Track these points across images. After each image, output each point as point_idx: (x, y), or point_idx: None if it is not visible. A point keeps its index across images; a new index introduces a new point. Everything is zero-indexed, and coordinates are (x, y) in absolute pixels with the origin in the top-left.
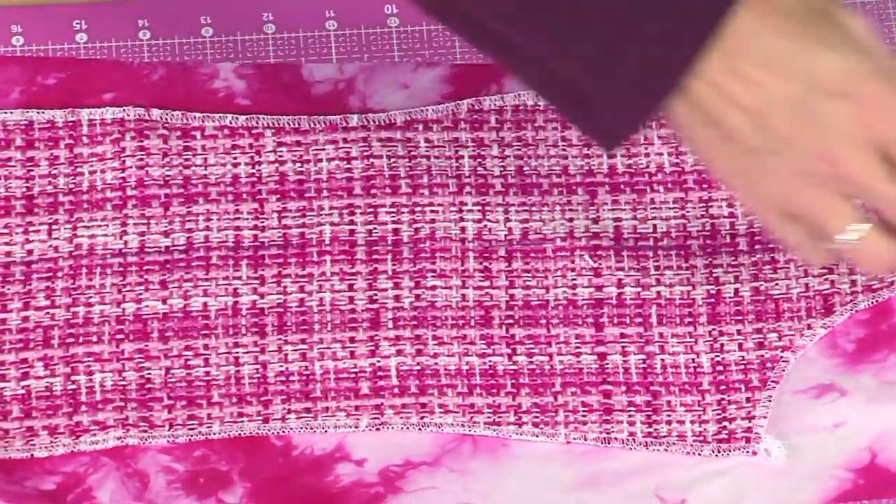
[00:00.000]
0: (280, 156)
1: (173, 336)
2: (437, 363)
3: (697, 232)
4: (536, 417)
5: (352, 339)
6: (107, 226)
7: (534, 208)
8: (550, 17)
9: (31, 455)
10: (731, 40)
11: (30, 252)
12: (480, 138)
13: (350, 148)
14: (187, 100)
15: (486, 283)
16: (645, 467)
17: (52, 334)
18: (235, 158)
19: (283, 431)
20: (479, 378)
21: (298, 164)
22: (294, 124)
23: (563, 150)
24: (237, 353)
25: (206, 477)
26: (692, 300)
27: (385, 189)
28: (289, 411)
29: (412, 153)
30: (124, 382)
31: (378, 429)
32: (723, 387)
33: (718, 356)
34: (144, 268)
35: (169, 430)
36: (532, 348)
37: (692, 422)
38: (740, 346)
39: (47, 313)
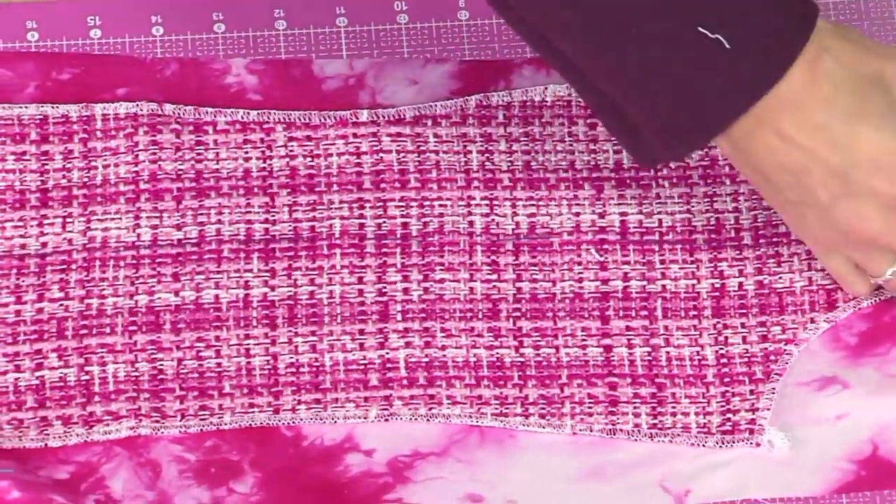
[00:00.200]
0: (291, 150)
1: (185, 328)
2: (445, 355)
3: (702, 226)
4: (543, 409)
5: (361, 332)
6: (120, 219)
7: (541, 203)
8: (606, 37)
9: (45, 444)
10: (777, 101)
11: (44, 245)
12: (488, 133)
13: (360, 143)
14: (199, 95)
15: (494, 277)
16: (650, 458)
17: (66, 326)
18: (247, 153)
19: (294, 422)
20: (486, 370)
21: (309, 159)
22: (305, 119)
23: (570, 145)
24: (248, 344)
25: (217, 466)
26: (697, 293)
27: (394, 183)
28: (299, 402)
29: (421, 148)
30: (137, 373)
31: (387, 420)
32: (727, 379)
33: (723, 349)
34: (157, 260)
35: (181, 421)
36: (539, 341)
37: (696, 413)
38: (744, 338)
39: (61, 305)
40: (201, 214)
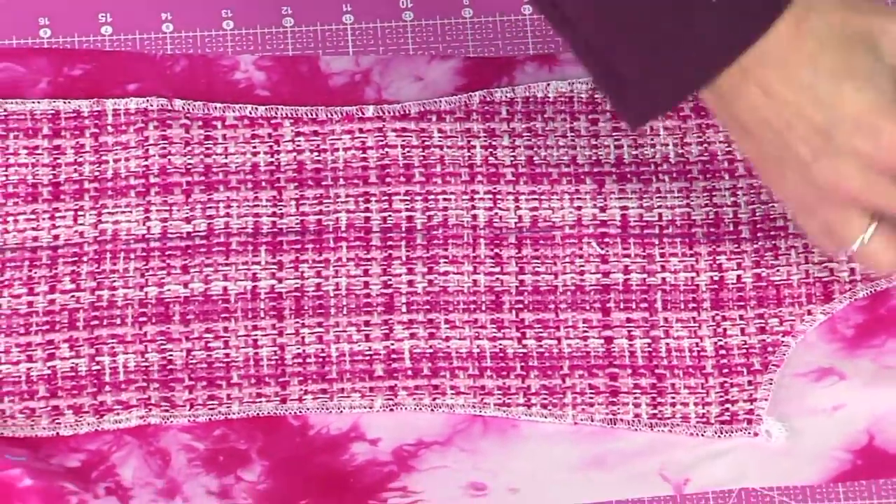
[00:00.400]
0: (298, 145)
1: (194, 319)
2: (449, 346)
3: (701, 220)
4: (545, 399)
5: (367, 323)
6: (130, 212)
7: (543, 197)
8: None
9: (57, 433)
10: (762, 55)
11: (56, 237)
12: (492, 129)
13: (366, 138)
14: (208, 90)
15: (497, 269)
16: (650, 447)
17: (77, 317)
18: (255, 147)
19: (300, 412)
20: (489, 361)
21: (316, 154)
22: (312, 115)
23: (572, 140)
24: (256, 335)
25: (225, 455)
26: (696, 286)
27: (399, 178)
28: (305, 392)
29: (426, 143)
30: (147, 364)
31: (392, 409)
32: (725, 370)
33: (721, 340)
34: (167, 253)
35: (190, 410)
36: (541, 332)
37: (696, 404)
38: (742, 330)
39: (73, 296)
40: (210, 208)
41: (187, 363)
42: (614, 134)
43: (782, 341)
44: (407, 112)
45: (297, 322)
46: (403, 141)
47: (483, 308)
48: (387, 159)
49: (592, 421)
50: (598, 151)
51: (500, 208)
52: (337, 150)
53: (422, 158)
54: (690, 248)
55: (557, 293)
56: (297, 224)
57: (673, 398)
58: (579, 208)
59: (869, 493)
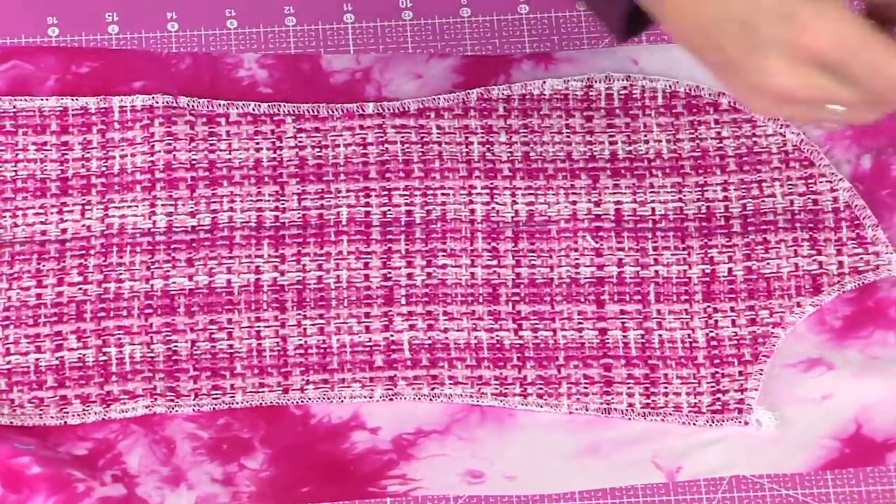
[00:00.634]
0: (300, 141)
1: (199, 311)
2: (447, 337)
3: (693, 215)
4: (541, 389)
5: (367, 315)
6: (136, 207)
7: (539, 192)
8: None
9: (65, 422)
10: None
11: (64, 231)
12: (489, 125)
13: (366, 134)
14: (213, 88)
15: (494, 262)
16: (643, 436)
17: (84, 309)
18: (258, 143)
19: (302, 401)
20: (486, 352)
21: (317, 150)
22: (313, 111)
23: (567, 136)
24: (259, 327)
25: (229, 443)
26: (688, 279)
27: (399, 173)
28: (307, 382)
29: (424, 139)
30: (152, 354)
31: (391, 399)
32: (717, 361)
33: (713, 332)
34: (172, 246)
35: (194, 400)
36: (537, 324)
37: (688, 394)
38: (733, 322)
39: (80, 289)
40: (214, 202)
41: (192, 354)
42: (609, 130)
43: (772, 333)
44: (406, 109)
45: (299, 314)
46: (403, 137)
47: (480, 300)
48: (386, 155)
49: (587, 410)
50: (592, 147)
51: (497, 203)
52: (338, 146)
53: (421, 154)
54: (683, 242)
55: (553, 286)
56: (298, 218)
57: (665, 388)
58: (574, 203)
59: (857, 481)
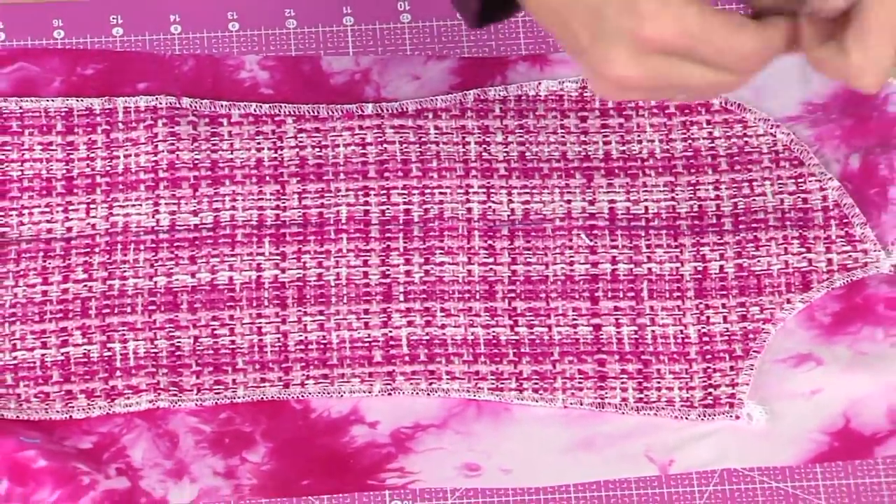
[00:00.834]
0: (300, 141)
1: (201, 307)
2: (444, 333)
3: (686, 213)
4: (536, 384)
5: (366, 311)
6: (140, 205)
7: (535, 191)
8: None
9: (70, 416)
10: None
11: (69, 229)
12: (486, 126)
13: (365, 134)
14: (215, 89)
15: (491, 260)
16: (636, 430)
17: (89, 305)
18: (259, 144)
19: (303, 396)
20: (483, 347)
21: (317, 149)
22: (313, 112)
23: (562, 137)
24: (260, 323)
25: (231, 437)
26: (680, 276)
27: (397, 172)
28: (308, 377)
29: (422, 139)
30: (156, 350)
31: (390, 394)
32: (708, 356)
33: (705, 328)
34: (175, 244)
35: (197, 394)
36: (532, 320)
37: (680, 388)
38: (725, 318)
39: (85, 286)
40: (216, 201)
41: (195, 349)
42: (603, 131)
43: (763, 328)
44: (405, 109)
45: (300, 310)
46: (401, 137)
47: (477, 297)
48: (385, 155)
49: (581, 405)
50: (587, 147)
51: (493, 202)
52: (337, 146)
53: (419, 154)
54: (675, 240)
55: (548, 283)
56: (299, 217)
57: (658, 383)
58: (569, 202)
59: (845, 474)
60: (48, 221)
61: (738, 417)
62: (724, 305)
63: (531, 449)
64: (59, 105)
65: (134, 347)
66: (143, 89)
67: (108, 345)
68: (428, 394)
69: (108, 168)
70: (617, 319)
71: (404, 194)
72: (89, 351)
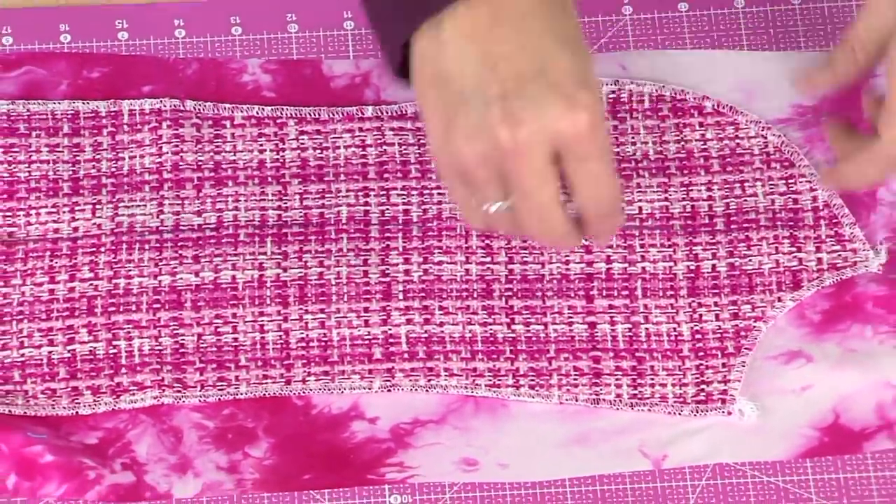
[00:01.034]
0: (302, 143)
1: (205, 306)
2: (443, 331)
3: (679, 213)
4: (532, 380)
5: (366, 309)
6: (145, 206)
7: None
8: None
9: (76, 412)
10: (495, 3)
11: (76, 229)
12: None
13: (365, 136)
14: (218, 92)
15: (488, 259)
16: (630, 426)
17: (95, 303)
18: (261, 145)
19: (304, 392)
20: (480, 345)
21: (318, 151)
22: (315, 115)
23: None
24: (262, 321)
25: (233, 433)
26: (674, 275)
27: (397, 174)
28: (309, 374)
29: (421, 141)
30: (160, 347)
31: (389, 390)
32: (701, 353)
33: (697, 325)
34: (179, 244)
35: (200, 391)
36: (529, 318)
37: (673, 385)
38: (717, 316)
39: (91, 284)
40: (219, 202)
41: (198, 347)
42: None
43: (754, 326)
44: (404, 112)
45: (301, 308)
46: (400, 139)
47: (475, 295)
48: (385, 156)
49: (577, 401)
50: None
51: None
52: (338, 147)
53: (418, 155)
54: (668, 240)
55: (544, 281)
56: (300, 217)
57: (652, 379)
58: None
59: (835, 468)
60: (55, 221)
61: (729, 413)
62: (716, 304)
63: (528, 444)
64: (66, 108)
65: (139, 345)
66: (147, 92)
67: (114, 342)
68: (427, 390)
69: (114, 169)
70: (612, 317)
71: (403, 195)
72: (95, 348)
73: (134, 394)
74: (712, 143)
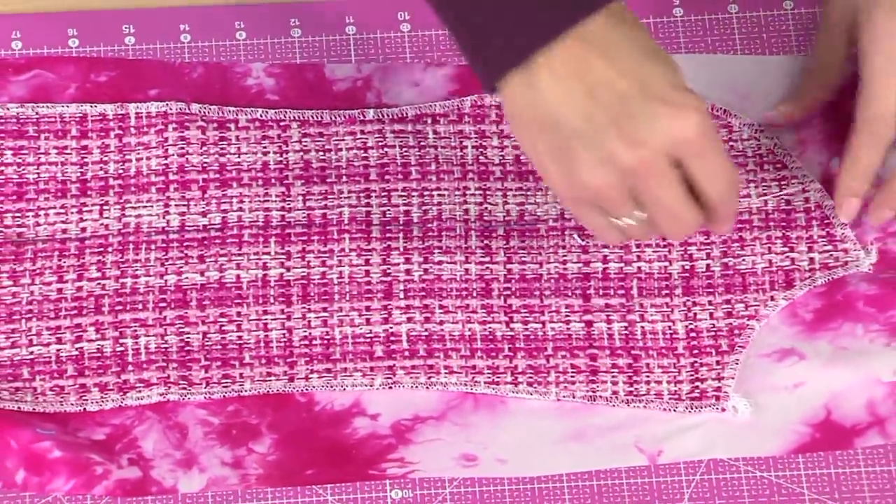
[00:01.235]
0: (305, 145)
1: (210, 304)
2: (442, 329)
3: None
4: (530, 378)
5: (367, 308)
6: (151, 207)
7: (529, 193)
8: None
9: (84, 409)
10: (580, 38)
11: (83, 230)
12: (482, 130)
13: (367, 138)
14: (223, 95)
15: (487, 259)
16: (626, 422)
17: (102, 302)
18: (265, 147)
19: (307, 389)
20: (479, 343)
21: (321, 153)
22: (317, 117)
23: None
24: (266, 319)
25: (238, 429)
26: (669, 274)
27: (397, 175)
28: (311, 371)
29: (421, 143)
30: (166, 345)
31: (390, 387)
32: (695, 351)
33: (692, 324)
34: (184, 244)
35: (205, 388)
36: (527, 316)
37: (668, 382)
38: (711, 315)
39: (99, 284)
40: (224, 203)
41: (203, 345)
42: None
43: (747, 325)
44: (404, 115)
45: (304, 307)
46: (401, 141)
47: (474, 294)
48: (386, 158)
49: (574, 398)
50: None
51: (489, 203)
52: (340, 149)
53: (418, 157)
54: (663, 240)
55: (542, 281)
56: (303, 218)
57: (647, 377)
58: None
59: (826, 464)
60: (63, 222)
61: (723, 410)
62: (710, 303)
63: (526, 440)
64: (74, 111)
65: (145, 343)
66: (154, 95)
67: (121, 340)
68: (427, 387)
69: (121, 171)
70: (608, 316)
71: (404, 196)
72: (102, 346)
73: (140, 391)
74: None
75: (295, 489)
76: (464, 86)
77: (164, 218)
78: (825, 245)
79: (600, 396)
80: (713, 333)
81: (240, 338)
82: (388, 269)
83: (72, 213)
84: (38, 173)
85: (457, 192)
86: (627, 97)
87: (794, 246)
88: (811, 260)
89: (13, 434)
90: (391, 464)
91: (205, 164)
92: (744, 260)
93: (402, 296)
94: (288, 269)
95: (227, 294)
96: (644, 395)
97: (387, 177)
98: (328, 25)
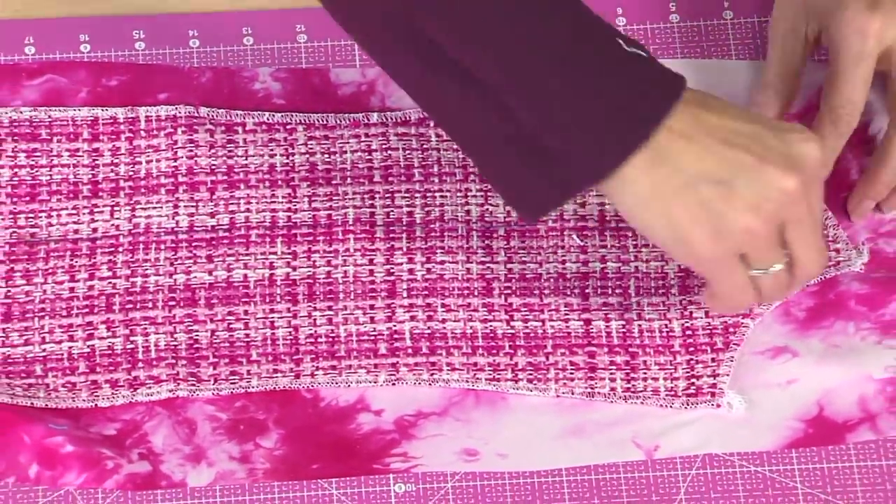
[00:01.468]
0: (310, 148)
1: (218, 303)
2: (445, 327)
3: None
4: (530, 375)
5: (372, 307)
6: (161, 208)
7: None
8: (522, 49)
9: (95, 405)
10: (696, 105)
11: (95, 230)
12: None
13: (371, 141)
14: (231, 99)
15: (488, 259)
16: (624, 418)
17: (113, 301)
18: (272, 150)
19: (312, 386)
20: (481, 340)
21: (326, 156)
22: (323, 121)
23: None
24: (273, 318)
25: (245, 424)
26: (665, 274)
27: (401, 177)
28: (317, 368)
29: (424, 146)
30: (175, 343)
31: (394, 384)
32: (691, 348)
33: (688, 322)
34: (193, 244)
35: (214, 384)
36: (527, 315)
37: (665, 379)
38: (706, 313)
39: (109, 283)
40: (232, 204)
41: (211, 342)
42: None
43: (742, 323)
44: (408, 118)
45: (310, 306)
46: (404, 144)
47: (475, 293)
48: (389, 160)
49: (573, 394)
50: None
51: (490, 204)
52: (345, 152)
53: (421, 160)
54: None
55: (542, 280)
56: (309, 218)
57: (644, 374)
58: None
59: (819, 458)
60: (75, 223)
61: (719, 406)
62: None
63: (526, 435)
64: (86, 114)
65: (155, 340)
66: (163, 99)
67: (131, 338)
68: (430, 384)
69: (131, 173)
70: (606, 314)
71: (407, 197)
72: (113, 344)
73: (150, 387)
74: None
75: (301, 483)
76: None
77: (173, 219)
78: None
79: (599, 393)
80: (709, 331)
81: (247, 335)
82: (392, 268)
83: (83, 213)
84: (50, 175)
85: (458, 194)
86: (760, 134)
87: None
88: None
89: (26, 429)
90: (395, 458)
91: (213, 167)
92: None
93: (405, 295)
94: (294, 269)
95: (235, 293)
96: (641, 391)
97: (390, 178)
98: (334, 31)
